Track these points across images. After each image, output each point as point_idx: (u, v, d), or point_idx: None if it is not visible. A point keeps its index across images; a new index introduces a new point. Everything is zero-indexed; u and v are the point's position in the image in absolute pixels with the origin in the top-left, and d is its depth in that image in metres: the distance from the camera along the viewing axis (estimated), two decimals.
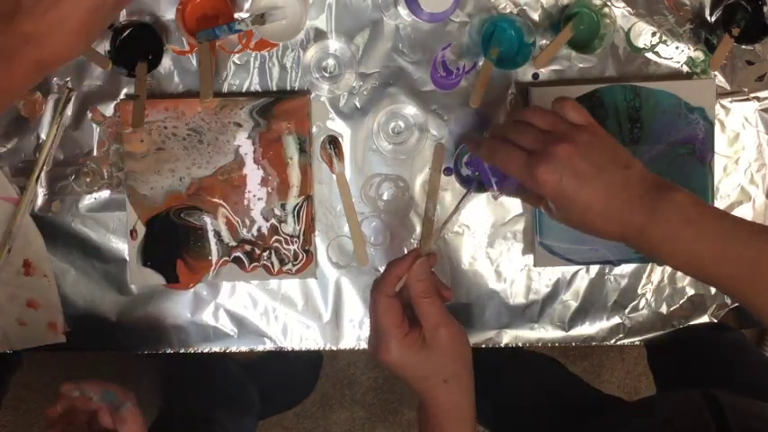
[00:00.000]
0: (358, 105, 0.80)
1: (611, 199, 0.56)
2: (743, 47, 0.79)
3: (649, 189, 0.56)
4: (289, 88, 0.80)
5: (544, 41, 0.80)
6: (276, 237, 0.80)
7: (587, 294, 0.83)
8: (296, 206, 0.79)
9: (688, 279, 0.83)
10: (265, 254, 0.80)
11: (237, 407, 1.12)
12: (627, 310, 0.83)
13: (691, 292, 0.83)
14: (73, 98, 0.79)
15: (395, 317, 0.59)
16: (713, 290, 0.83)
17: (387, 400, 1.48)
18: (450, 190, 0.81)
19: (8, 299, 0.79)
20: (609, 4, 0.78)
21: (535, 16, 0.80)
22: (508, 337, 0.83)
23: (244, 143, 0.79)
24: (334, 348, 0.83)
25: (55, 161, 0.79)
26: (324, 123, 0.80)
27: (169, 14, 0.78)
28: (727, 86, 0.81)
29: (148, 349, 0.82)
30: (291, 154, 0.79)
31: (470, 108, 0.80)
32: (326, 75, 0.80)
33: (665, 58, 0.81)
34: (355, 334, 0.83)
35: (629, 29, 0.80)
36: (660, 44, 0.80)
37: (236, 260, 0.80)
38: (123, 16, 0.78)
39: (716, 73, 0.81)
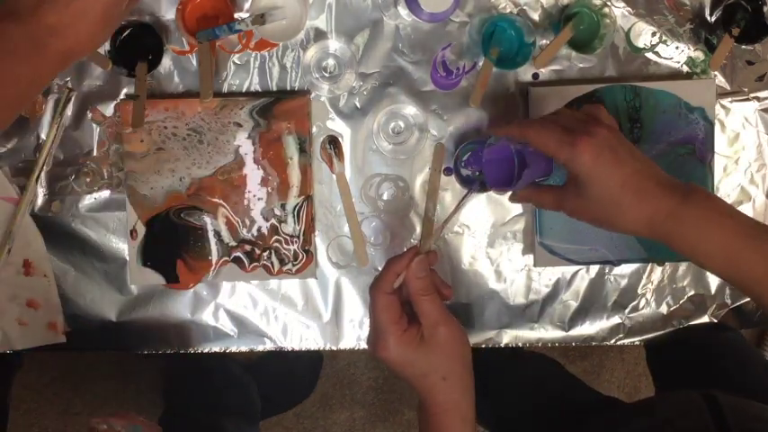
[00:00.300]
0: (358, 105, 0.80)
1: (644, 179, 0.58)
2: (743, 47, 0.80)
3: (677, 184, 0.59)
4: (289, 88, 0.80)
5: (544, 41, 0.80)
6: (276, 237, 0.80)
7: (587, 294, 0.83)
8: (296, 206, 0.79)
9: (688, 279, 0.83)
10: (265, 254, 0.80)
11: (241, 412, 1.12)
12: (627, 310, 0.83)
13: (691, 292, 0.83)
14: (73, 98, 0.79)
15: (392, 314, 0.59)
16: (713, 290, 0.83)
17: (387, 400, 1.48)
18: (450, 190, 0.81)
19: (8, 299, 0.79)
20: (609, 4, 0.78)
21: (535, 16, 0.80)
22: (508, 337, 0.83)
23: (244, 143, 0.79)
24: (334, 348, 0.83)
25: (55, 161, 0.79)
26: (324, 123, 0.80)
27: (169, 14, 0.78)
28: (727, 86, 0.81)
29: (148, 349, 0.82)
30: (291, 154, 0.79)
31: (470, 108, 0.80)
32: (326, 75, 0.80)
33: (665, 58, 0.81)
34: (355, 334, 0.82)
35: (629, 29, 0.80)
36: (660, 44, 0.80)
37: (236, 260, 0.80)
38: None
39: (716, 73, 0.81)
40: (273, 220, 0.79)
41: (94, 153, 0.80)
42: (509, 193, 0.72)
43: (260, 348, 0.83)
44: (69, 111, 0.79)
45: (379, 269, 0.81)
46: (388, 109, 0.80)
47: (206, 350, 0.82)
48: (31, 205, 0.79)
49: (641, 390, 1.49)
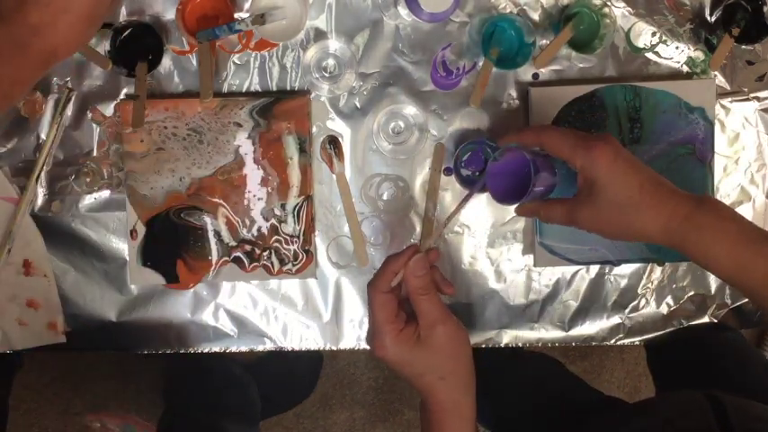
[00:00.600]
0: (358, 105, 0.80)
1: (660, 182, 0.59)
2: (743, 47, 0.80)
3: (687, 192, 0.60)
4: (289, 88, 0.80)
5: (544, 41, 0.80)
6: (276, 237, 0.80)
7: (587, 294, 0.83)
8: (296, 206, 0.79)
9: (688, 279, 0.83)
10: (265, 254, 0.80)
11: (241, 412, 1.12)
12: (627, 310, 0.83)
13: (691, 292, 0.83)
14: (73, 98, 0.79)
15: (388, 313, 0.59)
16: (713, 290, 0.83)
17: (387, 400, 1.48)
18: (451, 190, 0.81)
19: (8, 299, 0.79)
20: (609, 4, 0.78)
21: (535, 16, 0.80)
22: (508, 337, 0.83)
23: (244, 143, 0.79)
24: (334, 348, 0.83)
25: (55, 161, 0.79)
26: (324, 123, 0.80)
27: (169, 14, 0.78)
28: (727, 86, 0.81)
29: (148, 349, 0.82)
30: (291, 154, 0.79)
31: (470, 108, 0.80)
32: (326, 75, 0.80)
33: (665, 58, 0.81)
34: (355, 334, 0.82)
35: (629, 29, 0.80)
36: (660, 44, 0.80)
37: (236, 260, 0.80)
38: (123, 16, 0.78)
39: (716, 73, 0.81)
40: (273, 220, 0.79)
41: (94, 153, 0.80)
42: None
43: (260, 348, 0.83)
44: (69, 111, 0.79)
45: None
46: (388, 109, 0.80)
47: (206, 350, 0.82)
48: (31, 205, 0.79)
49: (641, 390, 1.49)
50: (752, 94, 0.81)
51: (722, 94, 0.81)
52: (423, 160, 0.81)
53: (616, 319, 0.83)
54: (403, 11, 0.79)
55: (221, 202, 0.79)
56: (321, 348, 0.83)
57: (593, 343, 0.84)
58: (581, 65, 0.80)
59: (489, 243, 0.82)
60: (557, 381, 1.03)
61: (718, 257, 0.59)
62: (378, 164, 0.81)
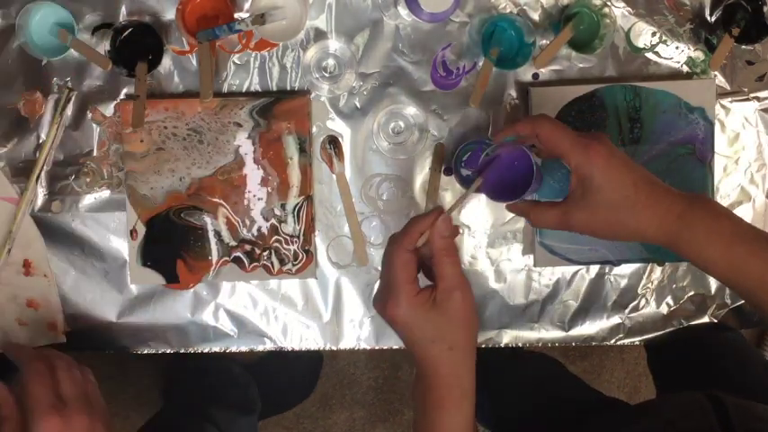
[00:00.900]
0: (358, 105, 0.80)
1: (655, 184, 0.59)
2: (743, 47, 0.80)
3: (682, 191, 0.60)
4: (289, 88, 0.80)
5: (544, 41, 0.80)
6: (276, 237, 0.80)
7: (587, 294, 0.83)
8: (296, 206, 0.79)
9: (688, 279, 0.83)
10: (265, 254, 0.80)
11: (236, 406, 1.12)
12: (627, 310, 0.83)
13: (691, 292, 0.83)
14: (73, 98, 0.79)
15: (410, 273, 0.58)
16: (713, 290, 0.83)
17: (387, 400, 1.48)
18: (450, 190, 0.81)
19: (8, 299, 0.79)
20: (609, 4, 0.78)
21: (535, 16, 0.80)
22: (508, 337, 0.83)
23: (244, 143, 0.79)
24: (334, 348, 0.83)
25: (55, 161, 0.79)
26: (324, 123, 0.80)
27: (169, 14, 0.78)
28: (727, 86, 0.81)
29: (148, 349, 0.82)
30: (291, 154, 0.79)
31: (470, 108, 0.80)
32: (326, 75, 0.80)
33: (665, 58, 0.81)
34: (355, 334, 0.82)
35: (629, 29, 0.80)
36: (660, 44, 0.80)
37: (236, 260, 0.80)
38: (123, 16, 0.78)
39: (716, 73, 0.81)
40: (273, 220, 0.79)
41: (94, 153, 0.80)
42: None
43: (260, 348, 0.83)
44: (69, 111, 0.79)
45: (379, 269, 0.81)
46: (388, 109, 0.80)
47: (206, 350, 0.82)
48: (31, 205, 0.79)
49: (641, 390, 1.49)
50: (752, 94, 0.81)
51: (722, 94, 0.81)
52: (423, 160, 0.81)
53: (616, 319, 0.83)
54: (403, 11, 0.79)
55: (221, 202, 0.79)
56: (321, 348, 0.83)
57: (593, 343, 0.84)
58: (581, 65, 0.80)
59: (489, 243, 0.82)
60: (557, 381, 1.03)
61: (712, 257, 0.59)
62: (378, 164, 0.81)
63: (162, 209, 0.79)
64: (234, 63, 0.79)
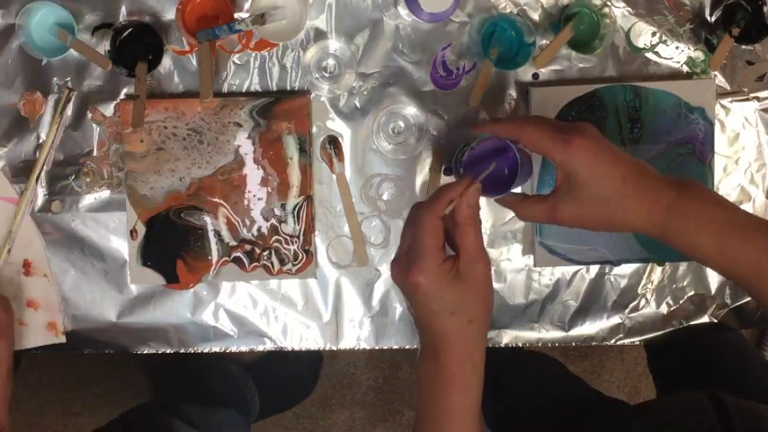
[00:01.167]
0: (358, 105, 0.80)
1: (645, 172, 0.58)
2: (743, 47, 0.79)
3: (671, 179, 0.58)
4: (289, 88, 0.80)
5: (544, 41, 0.80)
6: (276, 237, 0.80)
7: (587, 294, 0.83)
8: (296, 206, 0.79)
9: (688, 279, 0.83)
10: (265, 254, 0.80)
11: (235, 409, 1.11)
12: (627, 310, 0.83)
13: (691, 292, 0.83)
14: (73, 98, 0.79)
15: (438, 240, 0.56)
16: (713, 290, 0.83)
17: (387, 400, 1.48)
18: None
19: (8, 299, 0.79)
20: (609, 4, 0.78)
21: (535, 16, 0.80)
22: (508, 337, 0.83)
23: (244, 143, 0.79)
24: (334, 348, 0.83)
25: (55, 161, 0.79)
26: (324, 123, 0.80)
27: (169, 14, 0.78)
28: (727, 86, 0.81)
29: (148, 349, 0.82)
30: (291, 154, 0.79)
31: (470, 108, 0.80)
32: (326, 75, 0.80)
33: (665, 58, 0.81)
34: (355, 334, 0.82)
35: (629, 29, 0.80)
36: (660, 44, 0.80)
37: (236, 260, 0.80)
38: (123, 16, 0.78)
39: (716, 73, 0.81)
40: (273, 220, 0.79)
41: (94, 153, 0.80)
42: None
43: (260, 348, 0.83)
44: (69, 111, 0.79)
45: (379, 269, 0.81)
46: (388, 109, 0.80)
47: (206, 350, 0.82)
48: (31, 205, 0.79)
49: (641, 390, 1.48)
50: (752, 94, 0.81)
51: (722, 94, 0.81)
52: (423, 160, 0.81)
53: (616, 319, 0.83)
54: (403, 11, 0.79)
55: (221, 202, 0.79)
56: (321, 348, 0.83)
57: (593, 343, 0.84)
58: (581, 65, 0.80)
59: (489, 243, 0.82)
60: (557, 381, 1.03)
61: (703, 247, 0.57)
62: (378, 164, 0.81)
63: (162, 209, 0.79)
64: (234, 63, 0.79)
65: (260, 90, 0.80)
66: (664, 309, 0.83)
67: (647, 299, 0.83)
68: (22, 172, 0.79)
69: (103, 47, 0.77)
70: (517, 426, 0.97)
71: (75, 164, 0.80)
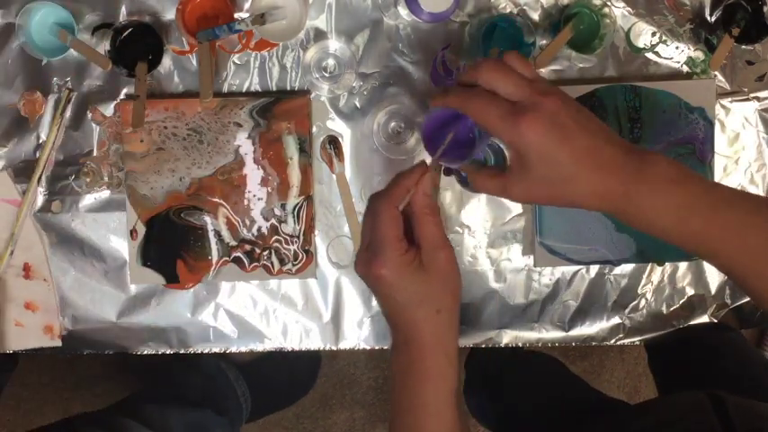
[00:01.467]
0: (358, 105, 0.80)
1: (598, 154, 0.53)
2: (743, 47, 0.80)
3: (631, 151, 0.54)
4: (289, 88, 0.80)
5: (544, 41, 0.80)
6: (276, 237, 0.80)
7: (587, 294, 0.83)
8: (296, 206, 0.79)
9: (688, 279, 0.83)
10: (265, 254, 0.80)
11: (224, 406, 1.09)
12: (627, 310, 0.83)
13: (691, 292, 0.83)
14: (73, 99, 0.79)
15: (398, 230, 0.55)
16: (713, 290, 0.83)
17: (387, 400, 1.47)
18: (450, 190, 0.81)
19: (7, 300, 0.79)
20: (609, 4, 0.78)
21: (535, 16, 0.80)
22: (508, 337, 0.83)
23: (244, 143, 0.79)
24: (334, 348, 0.83)
25: (55, 161, 0.79)
26: (324, 123, 0.80)
27: (169, 14, 0.78)
28: (728, 86, 0.81)
29: (148, 349, 0.82)
30: (291, 154, 0.79)
31: None
32: (326, 75, 0.80)
33: (665, 58, 0.81)
34: (355, 334, 0.82)
35: (629, 29, 0.80)
36: (660, 44, 0.80)
37: (236, 260, 0.80)
38: (123, 16, 0.78)
39: (716, 73, 0.81)
40: (273, 220, 0.79)
41: (94, 153, 0.80)
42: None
43: (260, 348, 0.83)
44: (69, 111, 0.79)
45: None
46: (388, 109, 0.80)
47: (206, 350, 0.82)
48: (33, 207, 0.79)
49: (641, 390, 1.49)
50: (752, 94, 0.81)
51: (722, 94, 0.81)
52: (423, 157, 0.81)
53: (616, 319, 0.83)
54: (403, 11, 0.79)
55: (221, 201, 0.79)
56: (321, 348, 0.83)
57: (593, 343, 0.84)
58: (581, 65, 0.80)
59: (489, 243, 0.82)
60: (557, 381, 1.03)
61: (663, 230, 0.54)
62: (378, 164, 0.81)
63: (162, 209, 0.79)
64: (234, 63, 0.79)
65: (260, 90, 0.80)
66: (664, 309, 0.83)
67: (647, 299, 0.83)
68: (22, 172, 0.79)
69: (103, 47, 0.77)
70: (517, 426, 0.97)
71: (75, 164, 0.80)
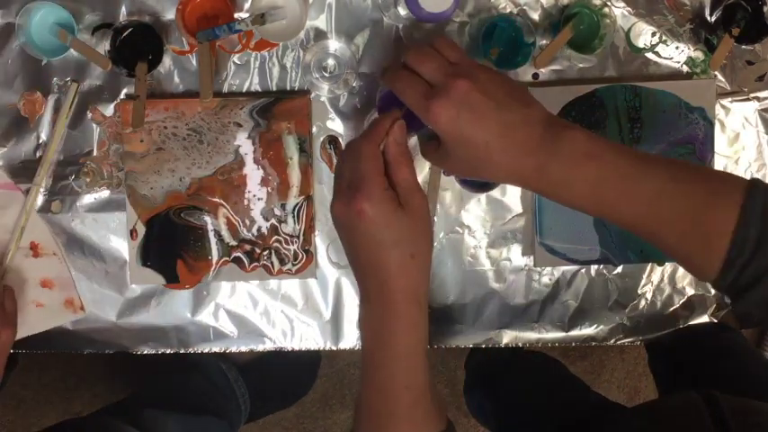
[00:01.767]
0: (358, 105, 0.80)
1: (510, 136, 0.54)
2: (743, 47, 0.80)
3: (549, 127, 0.55)
4: (289, 88, 0.80)
5: (544, 41, 0.80)
6: (276, 237, 0.80)
7: (587, 294, 0.83)
8: (296, 206, 0.79)
9: (688, 279, 0.83)
10: (265, 254, 0.80)
11: (221, 406, 1.09)
12: (627, 310, 0.83)
13: (691, 292, 0.83)
14: (77, 92, 0.78)
15: (380, 166, 0.56)
16: (713, 290, 0.83)
17: None
18: (450, 190, 0.81)
19: (21, 284, 0.79)
20: (609, 4, 0.78)
21: (535, 16, 0.80)
22: (508, 337, 0.83)
23: (244, 143, 0.79)
24: (334, 348, 0.83)
25: (55, 161, 0.79)
26: (324, 123, 0.80)
27: (169, 14, 0.78)
28: (727, 86, 0.81)
29: (148, 349, 0.82)
30: (291, 154, 0.79)
31: None
32: (326, 75, 0.80)
33: (665, 58, 0.81)
34: (355, 334, 0.82)
35: (629, 29, 0.80)
36: (660, 44, 0.80)
37: (236, 260, 0.80)
38: (123, 16, 0.78)
39: (716, 73, 0.81)
40: (273, 220, 0.79)
41: (94, 153, 0.80)
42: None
43: (260, 348, 0.83)
44: (75, 103, 0.78)
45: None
46: None
47: (206, 350, 0.82)
48: (36, 197, 0.79)
49: (641, 390, 1.49)
50: (752, 94, 0.81)
51: (722, 94, 0.81)
52: (423, 160, 0.80)
53: (616, 319, 0.83)
54: (403, 11, 0.79)
55: (221, 201, 0.79)
56: (321, 348, 0.83)
57: (593, 343, 0.84)
58: (581, 65, 0.80)
59: (489, 243, 0.82)
60: (557, 382, 1.03)
61: (578, 204, 0.56)
62: None
63: (162, 209, 0.79)
64: (234, 63, 0.79)
65: (260, 90, 0.80)
66: (664, 309, 0.83)
67: (647, 299, 0.83)
68: (21, 172, 0.79)
69: (103, 47, 0.77)
70: (517, 426, 0.97)
71: (75, 164, 0.80)
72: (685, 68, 0.81)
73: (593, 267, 0.82)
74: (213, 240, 0.79)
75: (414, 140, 0.73)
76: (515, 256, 0.82)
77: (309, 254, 0.80)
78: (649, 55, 0.81)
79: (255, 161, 0.79)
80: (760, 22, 0.77)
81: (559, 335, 0.84)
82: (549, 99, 0.78)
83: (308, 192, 0.79)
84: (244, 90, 0.80)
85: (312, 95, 0.80)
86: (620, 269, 0.83)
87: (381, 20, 0.79)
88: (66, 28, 0.75)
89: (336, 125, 0.80)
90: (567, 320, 0.83)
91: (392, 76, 0.59)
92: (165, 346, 0.82)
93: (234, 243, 0.79)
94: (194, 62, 0.79)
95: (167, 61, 0.79)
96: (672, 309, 0.84)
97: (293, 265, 0.80)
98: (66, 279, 0.80)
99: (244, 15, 0.78)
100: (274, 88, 0.80)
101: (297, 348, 0.83)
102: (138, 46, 0.76)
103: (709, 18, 0.80)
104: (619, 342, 0.84)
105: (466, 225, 0.82)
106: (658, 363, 0.97)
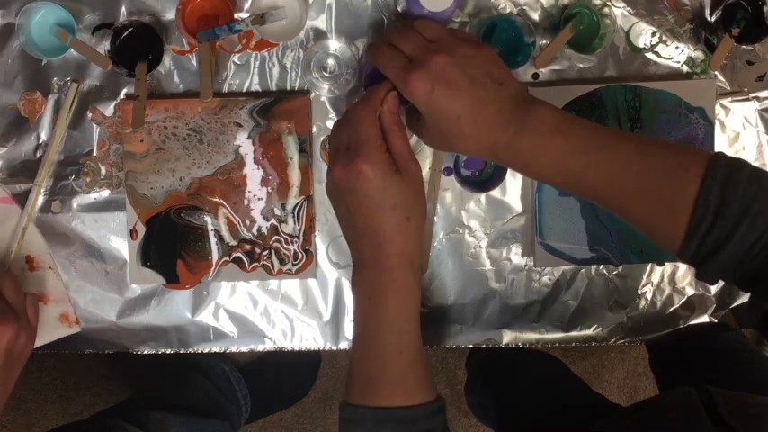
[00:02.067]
0: None
1: (482, 111, 0.57)
2: (743, 47, 0.80)
3: (520, 103, 0.58)
4: (289, 88, 0.80)
5: (544, 41, 0.80)
6: (276, 237, 0.80)
7: (587, 294, 0.83)
8: (296, 206, 0.79)
9: (688, 279, 0.83)
10: (265, 254, 0.80)
11: (222, 407, 1.10)
12: (627, 310, 0.83)
13: (691, 292, 0.83)
14: (78, 92, 0.78)
15: (379, 130, 0.59)
16: (713, 290, 0.83)
17: None
18: (451, 190, 0.81)
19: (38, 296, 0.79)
20: (609, 4, 0.78)
21: (535, 16, 0.80)
22: (508, 337, 0.83)
23: (244, 143, 0.79)
24: (334, 348, 0.83)
25: (55, 161, 0.79)
26: (324, 123, 0.80)
27: (169, 14, 0.78)
28: (727, 86, 0.81)
29: (148, 349, 0.82)
30: (291, 154, 0.79)
31: None
32: (326, 75, 0.80)
33: (665, 58, 0.81)
34: None
35: (629, 29, 0.80)
36: (660, 44, 0.80)
37: (237, 260, 0.80)
38: (123, 16, 0.78)
39: (716, 73, 0.81)
40: (273, 220, 0.79)
41: (94, 153, 0.80)
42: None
43: (260, 348, 0.83)
44: (76, 102, 0.78)
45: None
46: None
47: (206, 350, 0.82)
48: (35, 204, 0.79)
49: (641, 390, 1.49)
50: (752, 94, 0.81)
51: (722, 94, 0.81)
52: (423, 160, 0.81)
53: (616, 319, 0.83)
54: (403, 11, 0.79)
55: (221, 201, 0.79)
56: (321, 348, 0.83)
57: (593, 343, 0.84)
58: (581, 65, 0.80)
59: (489, 243, 0.82)
60: (557, 381, 1.03)
61: (547, 177, 0.58)
62: None
63: (162, 209, 0.79)
64: (234, 63, 0.79)
65: (260, 90, 0.80)
66: (664, 309, 0.84)
67: (647, 299, 0.83)
68: (20, 172, 0.79)
69: (103, 47, 0.77)
70: (517, 426, 0.97)
71: (75, 164, 0.80)
72: (685, 68, 0.81)
73: (593, 267, 0.83)
74: (213, 240, 0.79)
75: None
76: (515, 256, 0.82)
77: (309, 254, 0.80)
78: (649, 55, 0.81)
79: (255, 161, 0.79)
80: (760, 22, 0.77)
81: (559, 335, 0.84)
82: (549, 99, 0.78)
83: (308, 192, 0.79)
84: (244, 90, 0.80)
85: (312, 95, 0.80)
86: (620, 269, 0.83)
87: (381, 20, 0.79)
88: (67, 28, 0.75)
89: None
90: (566, 320, 0.83)
91: (376, 51, 0.61)
92: (165, 346, 0.82)
93: (234, 243, 0.79)
94: (194, 62, 0.79)
95: (167, 61, 0.79)
96: (672, 309, 0.84)
97: (293, 265, 0.80)
98: (61, 293, 0.80)
99: (244, 15, 0.78)
100: (274, 88, 0.80)
101: (297, 348, 0.83)
102: (138, 46, 0.76)
103: (709, 18, 0.80)
104: (619, 342, 0.84)
105: (466, 225, 0.82)
106: (659, 363, 0.97)
